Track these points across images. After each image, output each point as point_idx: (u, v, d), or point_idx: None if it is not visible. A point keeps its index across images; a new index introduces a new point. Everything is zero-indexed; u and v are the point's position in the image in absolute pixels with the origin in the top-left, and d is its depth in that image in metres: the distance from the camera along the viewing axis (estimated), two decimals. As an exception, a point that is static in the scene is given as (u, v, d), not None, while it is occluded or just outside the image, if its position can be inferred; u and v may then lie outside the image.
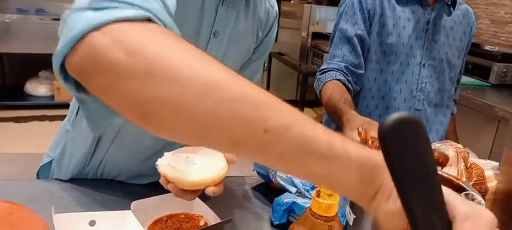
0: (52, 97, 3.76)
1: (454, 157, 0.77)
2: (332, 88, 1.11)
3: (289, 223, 0.78)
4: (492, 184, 0.75)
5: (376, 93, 1.21)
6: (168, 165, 0.64)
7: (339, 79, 1.14)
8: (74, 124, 0.87)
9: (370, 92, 1.21)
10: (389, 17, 1.16)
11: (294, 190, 0.83)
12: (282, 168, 0.40)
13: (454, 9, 1.23)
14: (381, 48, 1.18)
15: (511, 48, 2.46)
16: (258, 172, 0.93)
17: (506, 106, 1.79)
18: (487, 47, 2.44)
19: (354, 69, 1.17)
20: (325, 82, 1.14)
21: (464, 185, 0.65)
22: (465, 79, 2.34)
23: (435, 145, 0.84)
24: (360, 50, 1.17)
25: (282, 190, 0.84)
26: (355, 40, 1.16)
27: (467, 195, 0.60)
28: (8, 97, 3.67)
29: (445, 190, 0.36)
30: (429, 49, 1.19)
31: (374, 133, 0.87)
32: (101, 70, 0.40)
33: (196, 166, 0.66)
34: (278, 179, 0.85)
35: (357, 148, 0.39)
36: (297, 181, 0.84)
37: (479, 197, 0.60)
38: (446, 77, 1.23)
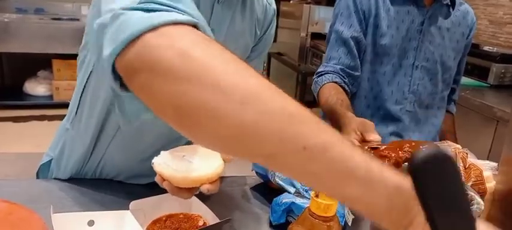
0: (51, 97, 3.76)
1: (452, 157, 0.77)
2: (329, 91, 1.12)
3: (288, 223, 0.78)
4: (491, 184, 0.75)
5: (368, 93, 1.20)
6: (164, 163, 0.64)
7: (335, 82, 1.14)
8: (73, 123, 0.87)
9: (362, 92, 1.21)
10: (384, 17, 1.15)
11: (292, 190, 0.83)
12: (316, 186, 0.40)
13: (453, 10, 1.22)
14: (374, 48, 1.17)
15: (510, 48, 2.46)
16: (256, 172, 0.93)
17: (505, 106, 1.79)
18: (486, 48, 2.44)
19: (350, 71, 1.17)
20: (322, 85, 1.15)
21: (463, 186, 0.65)
22: (464, 79, 2.34)
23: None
24: (356, 51, 1.16)
25: (281, 190, 0.84)
26: (351, 42, 1.16)
27: (465, 195, 0.60)
28: (7, 96, 3.67)
29: (481, 224, 0.36)
30: (423, 50, 1.18)
31: (369, 136, 0.87)
32: (149, 69, 0.41)
33: (192, 164, 0.65)
34: (277, 179, 0.85)
35: (394, 174, 0.38)
36: (295, 181, 0.84)
37: (477, 198, 0.60)
38: (439, 79, 1.22)
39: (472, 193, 0.61)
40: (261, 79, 0.39)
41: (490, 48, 2.42)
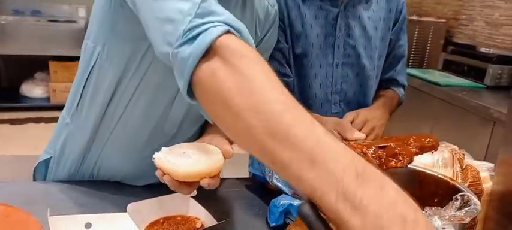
0: (48, 99, 3.75)
1: (449, 158, 0.77)
2: None
3: (285, 224, 0.78)
4: (487, 185, 0.75)
5: (297, 100, 1.10)
6: (164, 158, 0.65)
7: None
8: (73, 117, 0.87)
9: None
10: (296, 17, 1.05)
11: (290, 191, 0.83)
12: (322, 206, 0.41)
13: None
14: (293, 51, 1.08)
15: (506, 50, 2.47)
16: (254, 174, 0.93)
17: (502, 107, 1.80)
18: (482, 49, 2.45)
19: (282, 78, 1.06)
20: None
21: (460, 187, 0.65)
22: (460, 80, 2.35)
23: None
24: (281, 58, 1.07)
25: (279, 192, 0.84)
26: (275, 52, 1.06)
27: (462, 196, 0.60)
28: (4, 99, 3.65)
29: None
30: (342, 46, 1.07)
31: (350, 135, 0.86)
32: (217, 101, 0.50)
33: (192, 159, 0.66)
34: (274, 181, 0.85)
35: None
36: (293, 182, 0.84)
37: (474, 199, 0.60)
38: (368, 73, 1.10)
39: (469, 194, 0.61)
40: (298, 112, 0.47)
41: (487, 49, 2.43)
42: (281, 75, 1.08)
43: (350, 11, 1.06)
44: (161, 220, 0.75)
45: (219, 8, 0.56)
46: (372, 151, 0.75)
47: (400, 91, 1.21)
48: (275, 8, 0.95)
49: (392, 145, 0.73)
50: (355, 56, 1.07)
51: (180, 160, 0.65)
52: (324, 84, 1.08)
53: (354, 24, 1.06)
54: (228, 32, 0.53)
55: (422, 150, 0.73)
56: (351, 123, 0.96)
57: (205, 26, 0.52)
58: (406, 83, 1.22)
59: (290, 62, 1.09)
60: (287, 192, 0.83)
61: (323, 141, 0.42)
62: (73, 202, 0.82)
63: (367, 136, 0.94)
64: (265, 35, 0.95)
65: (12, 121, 3.43)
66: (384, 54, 1.13)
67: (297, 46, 1.07)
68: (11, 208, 0.76)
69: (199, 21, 0.53)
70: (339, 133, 0.86)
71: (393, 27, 1.13)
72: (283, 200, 0.79)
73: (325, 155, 0.41)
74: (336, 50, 1.06)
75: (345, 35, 1.06)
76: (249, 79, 0.47)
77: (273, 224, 0.78)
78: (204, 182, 0.64)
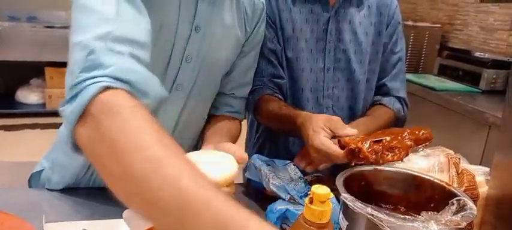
0: (43, 105, 3.73)
1: (445, 163, 0.77)
2: (266, 103, 1.04)
3: (282, 229, 0.78)
4: (483, 189, 0.76)
5: (290, 103, 1.09)
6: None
7: (267, 94, 1.06)
8: None
9: (286, 102, 1.10)
10: (287, 20, 1.05)
11: (287, 197, 0.83)
12: None
13: (365, 0, 1.08)
14: (285, 54, 1.08)
15: (501, 54, 2.49)
16: (250, 180, 0.93)
17: (497, 112, 1.80)
18: (477, 54, 2.46)
19: (277, 80, 1.08)
20: (255, 101, 1.06)
21: (456, 191, 0.65)
22: (455, 85, 2.37)
23: (426, 151, 0.84)
24: (274, 60, 1.07)
25: (275, 197, 0.84)
26: (264, 51, 1.07)
27: (458, 201, 0.60)
28: (-1, 105, 3.64)
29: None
30: (333, 51, 1.06)
31: (342, 131, 0.86)
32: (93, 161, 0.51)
33: (207, 168, 0.66)
34: (271, 186, 0.85)
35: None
36: (289, 188, 0.84)
37: (470, 203, 0.60)
38: (358, 76, 1.09)
39: (465, 198, 0.61)
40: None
41: (481, 54, 2.45)
42: (275, 77, 1.08)
43: (341, 16, 1.06)
44: None
45: (110, 59, 0.52)
46: (367, 146, 0.76)
47: (396, 105, 1.14)
48: (262, 1, 0.96)
49: (388, 138, 0.74)
50: (345, 61, 1.07)
51: None
52: (315, 88, 1.08)
53: (345, 29, 1.06)
54: (108, 88, 0.49)
55: (417, 142, 0.73)
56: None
57: (86, 83, 0.50)
58: (403, 95, 1.17)
59: (283, 64, 1.09)
60: (284, 198, 0.83)
61: (191, 198, 0.42)
62: (69, 209, 0.81)
63: None
64: (254, 29, 0.96)
65: (7, 128, 3.41)
66: (375, 59, 1.12)
67: (288, 49, 1.07)
68: (6, 214, 0.75)
69: (84, 76, 0.50)
70: (331, 130, 0.87)
71: (385, 31, 1.12)
72: (279, 206, 0.78)
73: (192, 217, 0.41)
74: (326, 54, 1.06)
75: (336, 39, 1.06)
76: (114, 144, 0.46)
77: (270, 229, 0.78)
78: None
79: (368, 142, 0.77)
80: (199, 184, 0.43)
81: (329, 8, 1.05)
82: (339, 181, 0.65)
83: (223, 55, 0.91)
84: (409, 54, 2.83)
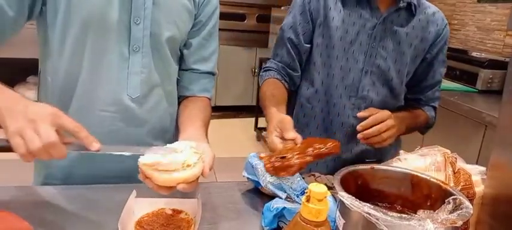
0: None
1: (442, 162, 0.78)
2: (267, 85, 1.14)
3: (279, 228, 0.78)
4: (479, 188, 0.76)
5: (322, 97, 1.16)
6: (148, 163, 0.69)
7: (276, 79, 1.15)
8: None
9: (317, 95, 1.17)
10: (334, 19, 1.10)
11: (283, 195, 0.83)
12: None
13: (416, 14, 1.12)
14: (326, 50, 1.13)
15: (498, 54, 2.50)
16: (248, 178, 0.93)
17: (493, 111, 1.81)
18: (474, 54, 2.47)
19: (290, 71, 1.17)
20: (265, 80, 1.17)
21: (452, 190, 0.66)
22: (452, 85, 2.37)
23: (423, 150, 0.85)
24: (293, 53, 1.15)
25: (272, 196, 0.84)
26: (288, 44, 1.15)
27: (455, 200, 0.60)
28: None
29: None
30: (374, 56, 1.11)
31: (287, 134, 0.89)
32: None
33: (173, 165, 0.70)
34: (268, 185, 0.85)
35: None
36: (286, 186, 0.84)
37: (466, 202, 0.60)
38: (394, 85, 1.15)
39: (461, 197, 0.62)
40: None
41: (478, 54, 2.46)
42: (290, 68, 1.16)
43: (388, 25, 1.10)
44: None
45: None
46: (273, 160, 0.84)
47: (431, 113, 1.24)
48: None
49: (289, 156, 0.79)
50: (384, 67, 1.12)
51: (162, 166, 0.69)
52: (350, 87, 1.13)
53: (389, 37, 1.11)
54: None
55: (318, 156, 0.81)
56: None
57: None
58: (437, 106, 1.26)
59: (315, 59, 1.14)
60: (280, 196, 0.83)
61: None
62: (70, 203, 0.81)
63: (389, 130, 1.01)
64: (203, 1, 0.99)
65: (4, 125, 3.39)
66: (411, 73, 1.18)
67: (329, 45, 1.11)
68: (3, 212, 0.75)
69: None
70: (280, 130, 0.91)
71: (429, 48, 1.16)
72: (276, 204, 0.79)
73: None
74: (367, 57, 1.11)
75: (379, 45, 1.10)
76: None
77: (267, 227, 0.78)
78: (180, 187, 0.69)
79: (274, 157, 0.85)
80: None
81: (378, 14, 1.09)
82: (336, 179, 0.65)
83: (176, 27, 0.95)
84: (406, 54, 2.83)
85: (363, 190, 0.71)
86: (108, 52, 0.88)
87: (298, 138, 0.88)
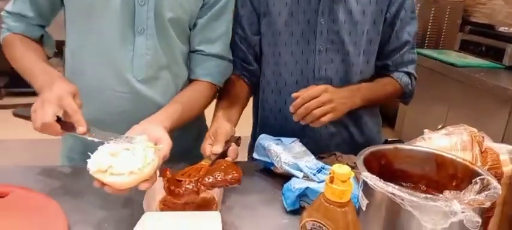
0: (62, 83, 3.79)
1: (468, 141, 0.76)
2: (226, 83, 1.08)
3: (301, 207, 0.78)
4: (507, 168, 0.74)
5: (274, 87, 1.09)
6: (99, 170, 0.66)
7: (234, 74, 1.08)
8: None
9: (268, 86, 1.10)
10: (275, 4, 1.03)
11: (300, 174, 0.83)
12: None
13: None
14: (272, 38, 1.06)
15: (526, 29, 2.41)
16: (256, 160, 0.93)
17: (520, 88, 1.76)
18: (501, 28, 2.39)
19: (245, 65, 1.10)
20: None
21: (480, 170, 0.64)
22: (478, 61, 2.30)
23: (448, 129, 0.82)
24: (243, 47, 1.08)
25: (285, 176, 0.84)
26: (237, 39, 1.08)
27: (482, 180, 0.59)
28: (18, 84, 3.70)
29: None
30: (325, 32, 1.02)
31: (216, 147, 0.83)
32: None
33: (129, 165, 0.66)
34: (283, 165, 0.85)
35: None
36: (302, 165, 0.83)
37: (495, 182, 0.59)
38: (353, 59, 1.04)
39: (488, 177, 0.60)
40: None
41: (505, 28, 2.37)
42: (245, 62, 1.10)
43: None
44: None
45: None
46: (167, 183, 0.73)
47: (403, 80, 1.10)
48: None
49: (187, 181, 0.72)
50: (339, 42, 1.02)
51: (117, 170, 0.66)
52: (306, 70, 1.05)
53: (338, 9, 1.01)
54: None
55: (213, 185, 0.73)
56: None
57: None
58: (411, 71, 1.11)
59: (266, 49, 1.08)
60: (298, 175, 0.82)
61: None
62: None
63: (323, 105, 0.89)
64: None
65: (28, 105, 3.48)
66: (376, 39, 1.06)
67: (275, 32, 1.04)
68: (31, 192, 0.77)
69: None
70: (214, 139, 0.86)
71: (387, 8, 1.04)
72: (297, 184, 0.78)
73: None
74: (318, 35, 1.02)
75: (329, 20, 1.01)
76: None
77: (290, 208, 0.78)
78: (142, 187, 0.68)
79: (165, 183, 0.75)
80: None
81: None
82: (359, 159, 0.64)
83: (181, 9, 0.93)
84: (429, 30, 2.76)
85: (385, 170, 0.70)
86: (112, 33, 0.88)
87: (218, 152, 0.83)
